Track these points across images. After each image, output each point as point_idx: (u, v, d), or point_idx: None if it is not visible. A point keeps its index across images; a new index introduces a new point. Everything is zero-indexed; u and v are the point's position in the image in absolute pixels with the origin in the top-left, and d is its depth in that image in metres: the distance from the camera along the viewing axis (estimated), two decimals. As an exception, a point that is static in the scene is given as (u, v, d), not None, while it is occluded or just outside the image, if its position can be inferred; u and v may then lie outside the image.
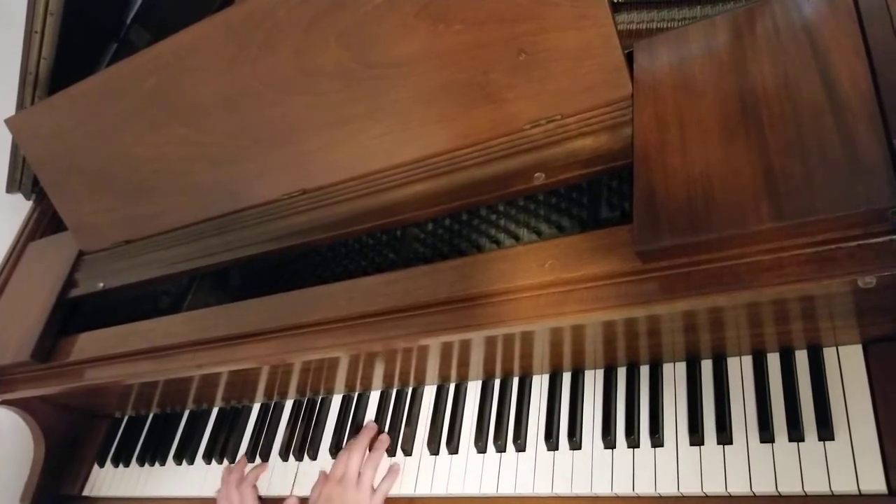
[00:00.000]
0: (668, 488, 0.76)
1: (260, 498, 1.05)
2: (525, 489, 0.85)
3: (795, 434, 0.72)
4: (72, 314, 1.24)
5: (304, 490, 1.02)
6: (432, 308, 0.82)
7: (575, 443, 0.84)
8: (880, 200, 0.58)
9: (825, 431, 0.70)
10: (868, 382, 0.71)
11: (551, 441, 0.85)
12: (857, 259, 0.60)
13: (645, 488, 0.77)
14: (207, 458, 1.15)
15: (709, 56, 0.75)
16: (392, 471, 0.95)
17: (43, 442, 1.28)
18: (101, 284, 1.19)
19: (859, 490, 0.67)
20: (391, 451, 0.98)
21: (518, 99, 0.83)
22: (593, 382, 0.87)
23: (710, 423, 0.77)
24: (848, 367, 0.73)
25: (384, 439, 0.98)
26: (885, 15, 0.67)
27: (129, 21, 1.38)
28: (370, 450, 0.97)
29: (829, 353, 0.75)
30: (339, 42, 0.88)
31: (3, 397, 1.20)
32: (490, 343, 0.86)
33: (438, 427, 0.95)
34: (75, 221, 1.23)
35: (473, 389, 0.96)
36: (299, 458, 1.06)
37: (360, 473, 0.94)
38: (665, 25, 0.87)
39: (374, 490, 0.94)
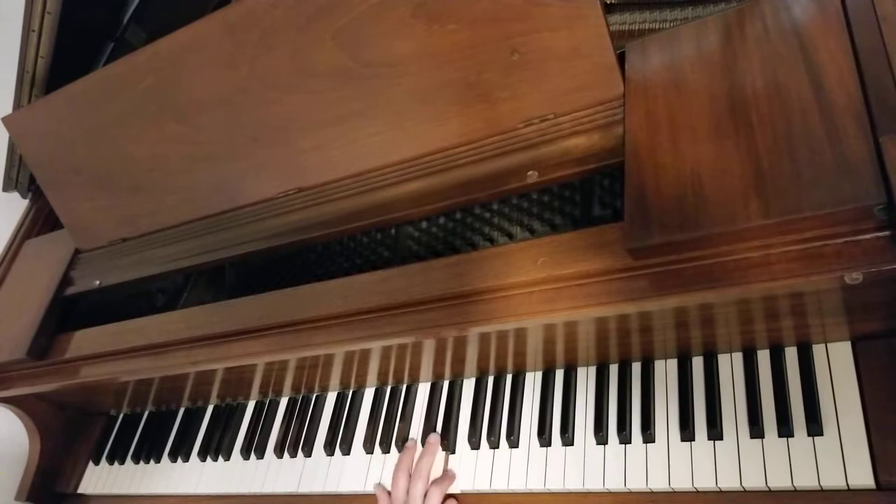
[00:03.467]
0: (659, 484, 0.77)
1: None
2: (518, 485, 0.85)
3: (785, 430, 0.72)
4: (68, 312, 1.24)
5: (299, 487, 1.03)
6: (426, 305, 0.83)
7: (567, 439, 0.84)
8: (866, 198, 0.59)
9: (814, 427, 0.71)
10: (857, 379, 0.72)
11: (544, 437, 0.86)
12: (845, 256, 0.61)
13: (636, 484, 0.78)
14: (202, 455, 1.16)
15: (700, 56, 0.76)
16: (453, 497, 0.89)
17: (38, 439, 1.28)
18: (98, 282, 1.20)
19: (848, 485, 0.68)
20: (387, 449, 0.98)
21: (511, 98, 0.84)
22: (586, 379, 0.88)
23: (700, 419, 0.78)
24: (837, 363, 0.74)
25: (452, 475, 0.90)
26: (872, 16, 0.68)
27: (125, 20, 1.38)
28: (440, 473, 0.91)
29: (818, 350, 0.76)
30: (335, 41, 0.89)
31: (-2, 395, 1.20)
32: (484, 340, 0.87)
33: (432, 424, 0.96)
34: (71, 219, 1.24)
35: (467, 386, 0.96)
36: (294, 455, 1.06)
37: (426, 497, 0.87)
38: (657, 26, 0.87)
39: None
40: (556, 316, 0.75)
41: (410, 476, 0.90)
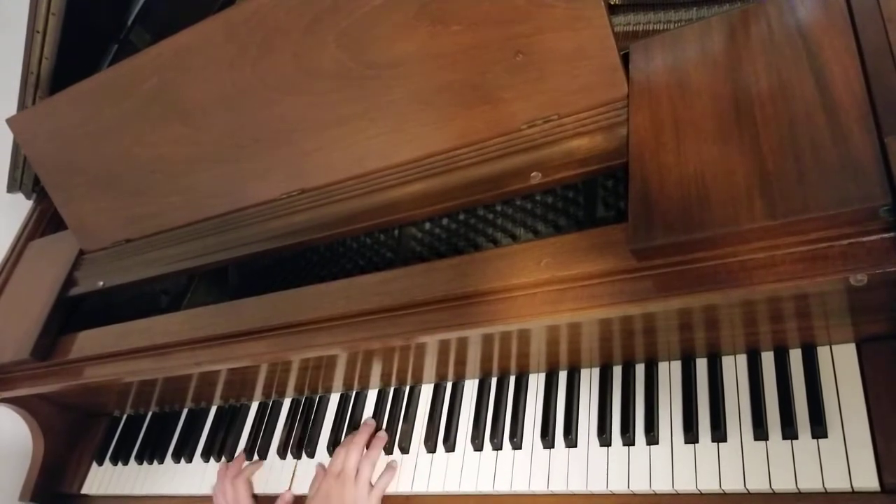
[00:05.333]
0: (662, 486, 0.76)
1: (255, 496, 1.06)
2: (521, 486, 0.85)
3: (789, 432, 0.72)
4: (72, 313, 1.25)
5: (301, 487, 1.03)
6: (429, 306, 0.83)
7: (571, 440, 0.84)
8: (871, 199, 0.58)
9: (819, 429, 0.71)
10: (861, 381, 0.72)
11: (547, 439, 0.86)
12: (849, 257, 0.61)
13: (640, 486, 0.78)
14: (206, 456, 1.16)
15: (704, 57, 0.76)
16: (390, 467, 0.95)
17: (42, 440, 1.28)
18: (101, 283, 1.20)
19: (852, 487, 0.68)
20: (388, 449, 0.98)
21: (515, 99, 0.83)
22: (589, 380, 0.88)
23: (704, 420, 0.77)
24: (841, 365, 0.74)
25: (382, 436, 0.98)
26: (878, 16, 0.68)
27: (129, 22, 1.39)
28: (368, 446, 0.98)
29: (822, 352, 0.75)
30: (338, 42, 0.89)
31: (2, 395, 1.20)
32: (487, 341, 0.87)
33: (435, 425, 0.96)
34: (75, 221, 1.24)
35: (470, 388, 0.96)
36: (297, 456, 1.06)
37: (357, 469, 0.95)
38: (661, 27, 0.87)
39: (371, 486, 0.94)
40: (560, 317, 0.75)
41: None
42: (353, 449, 0.96)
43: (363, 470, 0.95)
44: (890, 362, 0.71)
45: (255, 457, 1.10)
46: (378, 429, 1.00)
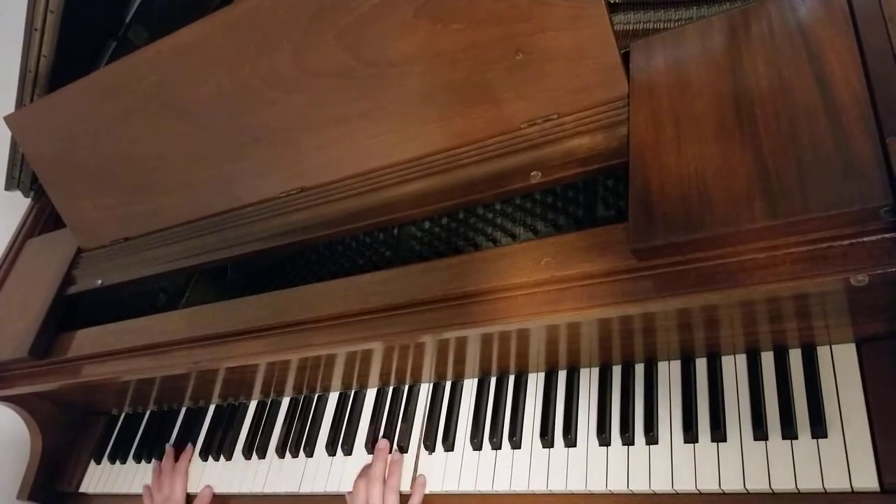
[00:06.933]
0: (662, 485, 0.76)
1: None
2: (520, 486, 0.85)
3: (789, 432, 0.72)
4: (70, 311, 1.24)
5: (302, 487, 1.03)
6: (428, 305, 0.83)
7: (570, 440, 0.84)
8: (872, 199, 0.58)
9: (818, 429, 0.71)
10: (861, 381, 0.72)
11: (547, 438, 0.86)
12: (850, 257, 0.61)
13: (639, 485, 0.78)
14: (204, 455, 1.15)
15: (704, 56, 0.76)
16: (418, 483, 0.92)
17: (40, 438, 1.28)
18: (100, 281, 1.20)
19: (852, 487, 0.68)
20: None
21: (515, 98, 0.83)
22: (589, 380, 0.88)
23: (704, 420, 0.77)
24: (841, 365, 0.74)
25: (398, 458, 0.94)
26: (879, 16, 0.68)
27: (128, 19, 1.38)
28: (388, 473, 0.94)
29: (822, 352, 0.75)
30: (338, 41, 0.88)
31: (0, 394, 1.20)
32: (486, 340, 0.87)
33: (435, 424, 0.95)
34: (74, 218, 1.24)
35: (469, 387, 0.96)
36: (295, 455, 1.06)
37: (384, 501, 0.90)
38: (662, 26, 0.87)
39: None
40: (560, 317, 0.75)
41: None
42: (374, 482, 0.91)
43: (388, 499, 0.90)
44: (890, 362, 0.71)
45: (254, 456, 1.10)
46: (377, 429, 1.00)
